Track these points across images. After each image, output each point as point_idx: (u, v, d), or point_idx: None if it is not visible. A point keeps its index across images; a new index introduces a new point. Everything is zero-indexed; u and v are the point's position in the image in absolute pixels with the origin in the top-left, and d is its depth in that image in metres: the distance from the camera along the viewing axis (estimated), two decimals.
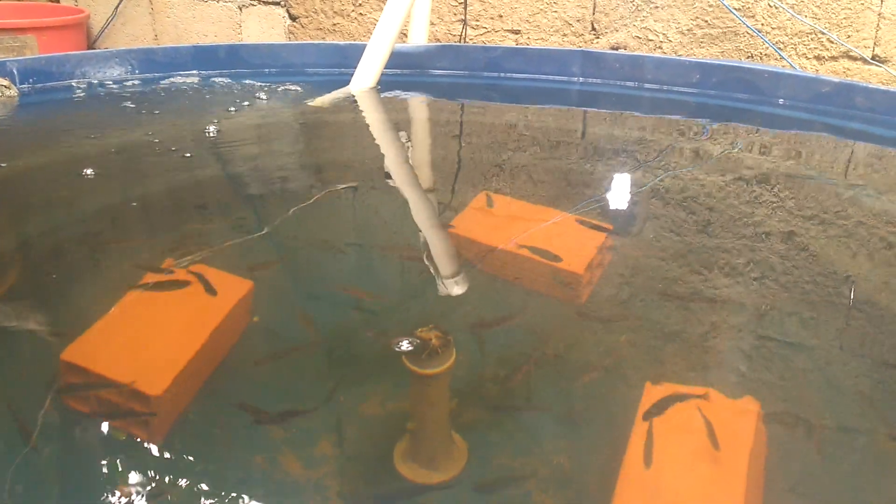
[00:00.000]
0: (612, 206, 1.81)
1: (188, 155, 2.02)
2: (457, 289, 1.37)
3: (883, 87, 2.23)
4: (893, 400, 1.13)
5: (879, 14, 2.61)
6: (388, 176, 1.95)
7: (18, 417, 1.02)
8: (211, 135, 2.10)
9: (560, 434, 1.05)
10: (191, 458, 0.96)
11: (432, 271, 1.43)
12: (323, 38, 3.53)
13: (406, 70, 2.61)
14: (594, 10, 3.08)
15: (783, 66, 2.61)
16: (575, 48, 2.96)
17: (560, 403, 1.12)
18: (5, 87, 2.14)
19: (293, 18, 3.59)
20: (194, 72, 2.59)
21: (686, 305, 1.36)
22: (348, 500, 0.93)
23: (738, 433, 1.03)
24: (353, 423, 1.05)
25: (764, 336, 1.26)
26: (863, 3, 2.63)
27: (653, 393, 1.09)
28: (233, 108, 2.30)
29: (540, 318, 1.35)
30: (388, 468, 0.96)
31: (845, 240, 1.64)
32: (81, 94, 2.39)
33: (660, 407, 1.06)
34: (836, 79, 2.27)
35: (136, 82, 2.45)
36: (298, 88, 2.48)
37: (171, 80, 2.55)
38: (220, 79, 2.56)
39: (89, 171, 1.82)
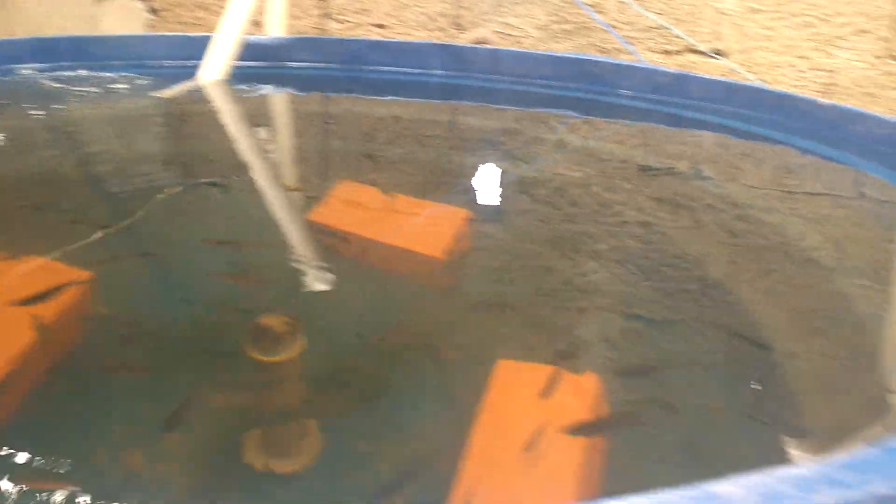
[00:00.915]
0: (474, 195, 1.85)
1: (31, 148, 1.92)
2: (318, 281, 1.36)
3: (715, 78, 2.38)
4: (746, 375, 1.19)
5: (719, 10, 2.78)
6: (242, 168, 1.92)
7: None
8: (55, 129, 2.01)
9: (413, 416, 1.06)
10: (26, 460, 0.92)
11: (291, 263, 1.41)
12: (184, 32, 3.43)
13: (263, 62, 2.57)
14: (457, 5, 3.13)
15: (632, 60, 2.74)
16: (434, 42, 2.99)
17: (415, 385, 1.13)
18: None
19: (153, 12, 3.47)
20: (36, 65, 2.46)
21: (548, 288, 1.40)
22: (196, 494, 0.91)
23: (585, 409, 1.06)
24: (199, 415, 1.03)
25: (630, 314, 1.30)
26: (703, 0, 2.79)
27: (504, 370, 1.10)
28: (78, 102, 2.21)
29: (400, 303, 1.36)
30: (235, 460, 0.94)
31: (695, 224, 1.73)
32: None
33: (510, 383, 1.08)
34: (673, 70, 2.40)
35: None
36: (146, 81, 2.40)
37: (12, 73, 2.41)
38: (64, 72, 2.44)
39: None
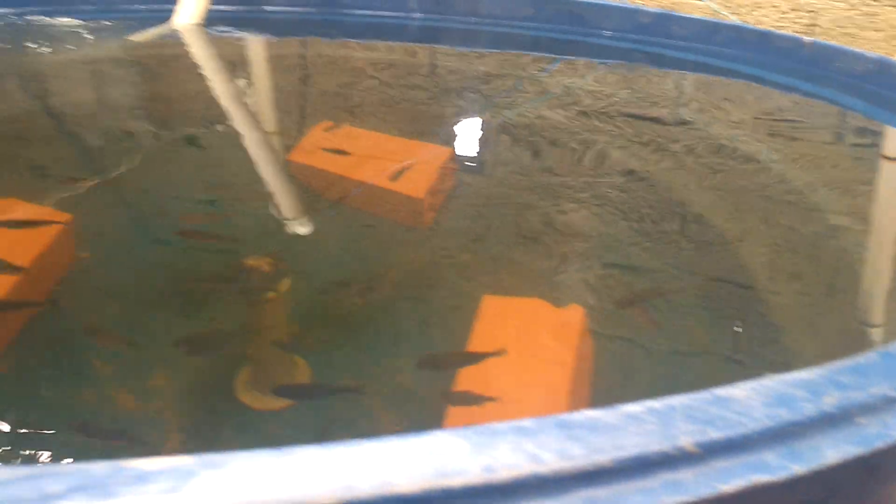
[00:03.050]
0: (454, 141, 1.84)
1: (8, 92, 1.87)
2: (300, 224, 1.35)
3: (697, 17, 2.36)
4: (723, 318, 1.20)
5: None
6: (219, 113, 1.89)
7: None
8: (26, 75, 1.96)
9: (400, 348, 1.07)
10: (18, 396, 0.93)
11: (275, 209, 1.41)
12: None
13: (239, 6, 2.51)
14: None
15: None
16: None
17: (400, 320, 1.15)
18: None
19: None
20: (6, 10, 2.38)
21: (527, 227, 1.40)
22: (189, 433, 0.91)
23: (569, 338, 1.08)
24: (188, 356, 1.04)
25: (608, 263, 1.31)
26: None
27: (490, 304, 1.12)
28: (50, 46, 2.15)
29: (383, 244, 1.36)
30: (229, 398, 0.95)
31: (678, 167, 1.73)
32: None
33: (497, 316, 1.09)
34: (655, 10, 2.37)
35: None
36: (119, 24, 2.34)
37: None
38: (33, 16, 2.37)
39: None
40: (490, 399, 0.95)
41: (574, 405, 0.96)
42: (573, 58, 2.45)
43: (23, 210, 1.30)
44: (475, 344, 1.04)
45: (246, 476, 0.39)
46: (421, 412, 0.96)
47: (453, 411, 0.95)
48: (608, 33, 2.40)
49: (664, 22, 2.25)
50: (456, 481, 0.41)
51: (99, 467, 0.38)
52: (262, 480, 0.39)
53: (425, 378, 1.02)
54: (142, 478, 0.38)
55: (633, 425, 0.45)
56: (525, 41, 2.55)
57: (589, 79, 2.34)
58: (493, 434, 0.43)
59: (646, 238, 1.38)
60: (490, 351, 1.01)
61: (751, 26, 2.40)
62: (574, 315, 1.13)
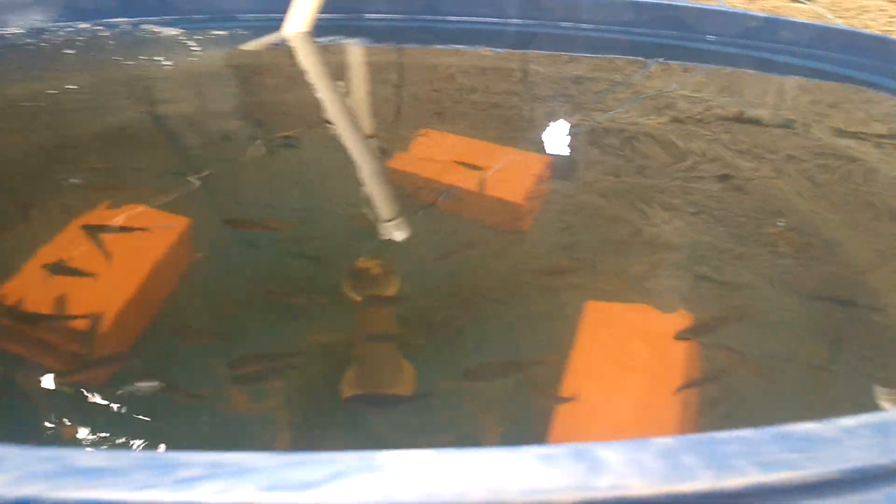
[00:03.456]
0: (548, 142, 1.84)
1: (119, 102, 1.97)
2: (399, 229, 1.38)
3: (808, 22, 2.30)
4: (820, 331, 1.17)
5: None
6: (328, 121, 1.93)
7: None
8: (146, 81, 2.05)
9: (506, 352, 1.08)
10: (137, 395, 0.96)
11: (373, 212, 1.43)
12: None
13: (341, 14, 2.57)
14: None
15: (713, 4, 2.66)
16: None
17: (505, 325, 1.15)
18: None
19: None
20: (123, 18, 2.50)
21: (617, 234, 1.39)
22: (299, 430, 0.95)
23: (673, 350, 1.08)
24: (300, 355, 1.06)
25: (701, 275, 1.29)
26: None
27: (594, 310, 1.12)
28: (163, 55, 2.24)
29: (483, 246, 1.37)
30: (336, 398, 0.98)
31: (776, 174, 1.69)
32: (5, 41, 2.29)
33: (602, 322, 1.10)
34: (763, 14, 2.33)
35: (65, 29, 2.36)
36: (231, 34, 2.42)
37: (99, 26, 2.45)
38: (149, 26, 2.48)
39: (21, 114, 1.76)
40: (592, 404, 0.95)
41: (684, 411, 0.95)
42: (671, 62, 2.42)
43: (148, 214, 1.36)
44: (580, 348, 1.04)
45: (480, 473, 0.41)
46: (522, 416, 0.97)
47: (561, 415, 0.95)
48: (712, 38, 2.36)
49: (773, 26, 2.20)
50: (686, 487, 0.42)
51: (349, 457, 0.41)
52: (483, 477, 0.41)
53: (524, 381, 1.02)
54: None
55: (850, 439, 0.46)
56: (623, 46, 2.53)
57: (686, 83, 2.31)
58: (716, 443, 0.44)
59: (741, 246, 1.34)
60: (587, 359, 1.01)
61: (867, 31, 2.33)
62: (682, 322, 1.12)
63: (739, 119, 1.96)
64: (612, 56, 2.50)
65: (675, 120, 1.97)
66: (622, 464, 0.44)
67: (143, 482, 0.41)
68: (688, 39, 2.43)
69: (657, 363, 1.04)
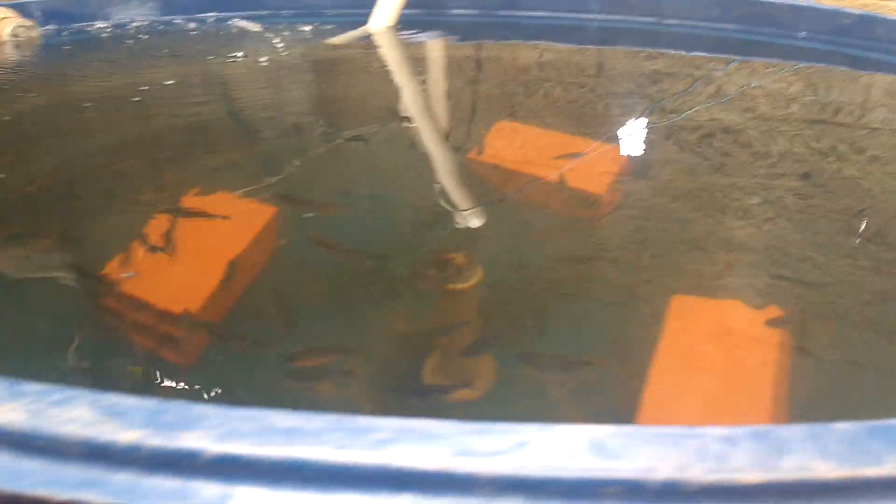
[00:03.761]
0: (624, 138, 1.82)
1: (206, 95, 2.02)
2: (474, 220, 1.39)
3: None
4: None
5: None
6: (407, 114, 1.96)
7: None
8: (230, 75, 2.10)
9: (587, 347, 1.07)
10: (222, 381, 0.99)
11: (452, 203, 1.45)
12: None
13: (426, 9, 2.59)
14: None
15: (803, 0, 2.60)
16: None
17: (588, 319, 1.15)
18: (28, 27, 2.13)
19: None
20: (213, 14, 2.57)
21: (692, 232, 1.38)
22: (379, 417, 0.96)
23: (763, 346, 1.06)
24: (382, 343, 1.08)
25: (778, 276, 1.26)
26: None
27: (681, 305, 1.11)
28: (252, 49, 2.30)
29: (563, 238, 1.37)
30: (418, 385, 0.98)
31: (861, 175, 1.65)
32: (102, 35, 2.38)
33: (689, 317, 1.09)
34: (858, 11, 2.27)
35: (162, 23, 2.44)
36: (317, 29, 2.47)
37: (192, 21, 2.53)
38: (238, 21, 2.54)
39: (117, 107, 1.83)
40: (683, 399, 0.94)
41: (777, 408, 0.94)
42: (755, 59, 2.37)
43: (239, 201, 1.40)
44: (666, 341, 1.03)
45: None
46: (606, 407, 0.96)
47: (647, 406, 0.94)
48: (802, 34, 2.31)
49: (868, 24, 2.14)
50: (872, 472, 0.42)
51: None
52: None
53: (606, 374, 1.01)
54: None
55: None
56: (706, 42, 2.49)
57: (770, 81, 2.26)
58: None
59: (820, 250, 1.31)
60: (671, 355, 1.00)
61: None
62: (775, 316, 1.10)
63: (824, 118, 1.91)
64: (693, 53, 2.47)
65: (757, 118, 1.93)
66: (805, 446, 0.44)
67: (340, 443, 0.43)
68: (776, 36, 2.38)
69: (743, 358, 1.03)
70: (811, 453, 0.43)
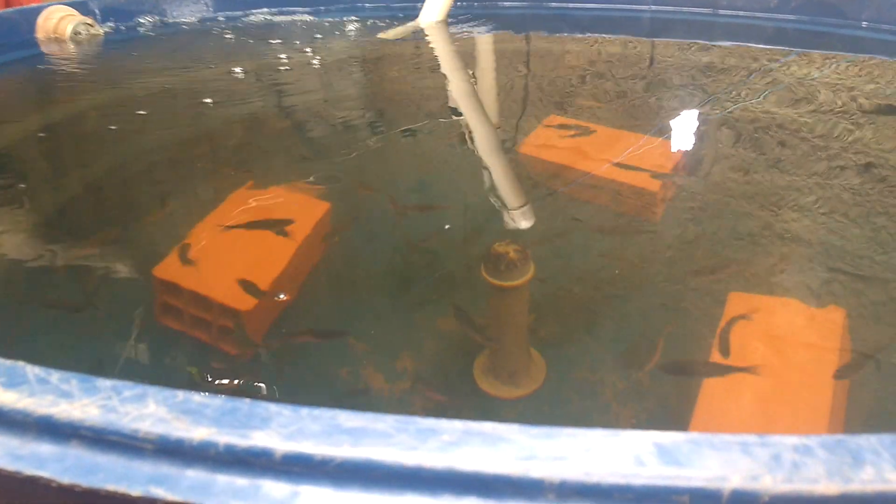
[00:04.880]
0: (678, 134, 1.79)
1: (260, 90, 2.05)
2: (525, 214, 1.38)
3: None
4: None
5: None
6: (457, 108, 1.95)
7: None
8: (284, 70, 2.12)
9: (638, 346, 1.06)
10: (276, 372, 1.00)
11: (503, 199, 1.44)
12: None
13: (476, 2, 2.58)
14: None
15: None
16: None
17: (639, 316, 1.13)
18: (89, 25, 2.18)
19: None
20: (265, 9, 2.60)
21: (747, 227, 1.35)
22: (430, 413, 0.96)
23: (824, 341, 1.03)
24: (433, 338, 1.08)
25: (836, 269, 1.23)
26: None
27: (737, 302, 1.09)
28: (303, 44, 2.32)
29: (613, 234, 1.36)
30: (468, 382, 0.98)
31: None
32: (157, 32, 2.43)
33: (746, 314, 1.06)
34: None
35: (217, 20, 2.48)
36: (370, 23, 2.48)
37: (249, 17, 2.57)
38: (291, 16, 2.57)
39: (174, 103, 1.87)
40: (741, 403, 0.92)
41: (833, 406, 0.91)
42: (813, 50, 2.31)
43: (294, 197, 1.42)
44: (723, 339, 1.01)
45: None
46: (658, 408, 0.94)
47: (704, 406, 0.92)
48: (864, 24, 2.24)
49: None
50: None
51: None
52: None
53: (657, 373, 0.99)
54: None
55: None
56: (763, 33, 2.44)
57: (829, 72, 2.20)
58: None
59: (880, 248, 1.27)
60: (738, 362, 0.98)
61: None
62: (835, 316, 1.07)
63: (886, 110, 1.86)
64: (748, 44, 2.41)
65: (815, 110, 1.89)
66: (882, 457, 0.42)
67: (407, 444, 0.43)
68: (836, 26, 2.32)
69: (803, 357, 1.00)
70: (890, 464, 0.42)
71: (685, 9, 2.54)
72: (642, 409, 0.94)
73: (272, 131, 1.81)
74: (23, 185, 1.50)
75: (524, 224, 1.37)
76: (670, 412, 0.95)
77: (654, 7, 2.55)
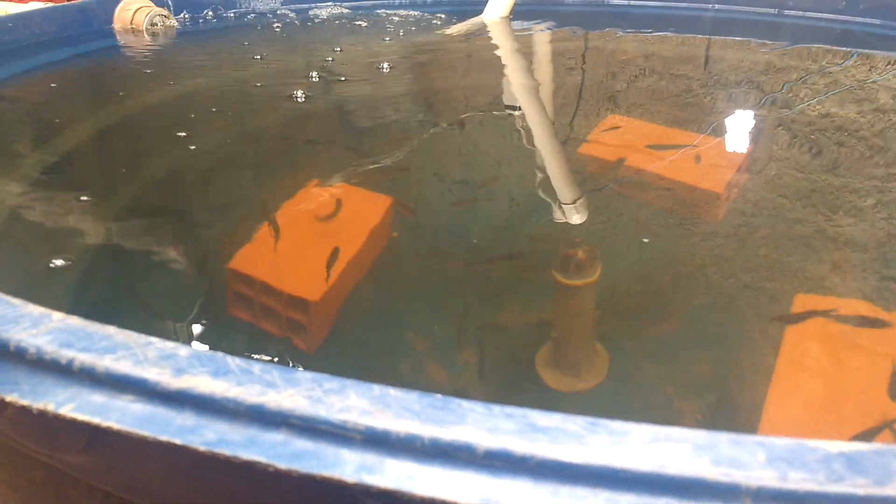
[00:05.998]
0: (733, 134, 1.79)
1: (323, 84, 2.07)
2: (580, 211, 1.39)
3: None
4: None
5: None
6: (514, 104, 1.96)
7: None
8: (349, 64, 2.14)
9: (702, 344, 1.06)
10: (342, 365, 1.02)
11: (560, 193, 1.44)
12: None
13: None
14: None
15: None
16: None
17: (701, 315, 1.13)
18: (164, 16, 2.22)
19: None
20: (332, 3, 2.63)
21: (801, 232, 1.34)
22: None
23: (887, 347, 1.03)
24: (495, 332, 1.09)
25: (888, 276, 1.23)
26: None
27: (804, 303, 1.09)
28: (372, 36, 2.34)
29: (678, 236, 1.36)
30: (530, 375, 0.99)
31: None
32: (231, 24, 2.46)
33: (813, 316, 1.06)
34: None
35: (286, 12, 2.51)
36: (434, 18, 2.50)
37: (319, 10, 2.59)
38: (362, 10, 2.60)
39: (245, 96, 1.90)
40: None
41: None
42: (877, 52, 2.28)
43: (358, 194, 1.44)
44: (790, 341, 1.01)
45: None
46: (721, 408, 0.94)
47: (772, 409, 0.93)
48: None
49: None
50: None
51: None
52: None
53: (719, 374, 0.99)
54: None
55: None
56: (825, 35, 2.42)
57: (890, 75, 2.18)
58: None
59: None
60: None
61: None
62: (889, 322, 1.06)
63: None
64: (811, 45, 2.40)
65: (875, 112, 1.87)
66: None
67: (600, 444, 0.46)
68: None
69: (870, 359, 1.00)
70: None
71: (749, 8, 2.52)
72: (704, 407, 0.94)
73: (338, 126, 1.83)
74: (101, 176, 1.54)
75: (579, 218, 1.38)
76: (734, 409, 0.95)
77: (717, 5, 2.54)
